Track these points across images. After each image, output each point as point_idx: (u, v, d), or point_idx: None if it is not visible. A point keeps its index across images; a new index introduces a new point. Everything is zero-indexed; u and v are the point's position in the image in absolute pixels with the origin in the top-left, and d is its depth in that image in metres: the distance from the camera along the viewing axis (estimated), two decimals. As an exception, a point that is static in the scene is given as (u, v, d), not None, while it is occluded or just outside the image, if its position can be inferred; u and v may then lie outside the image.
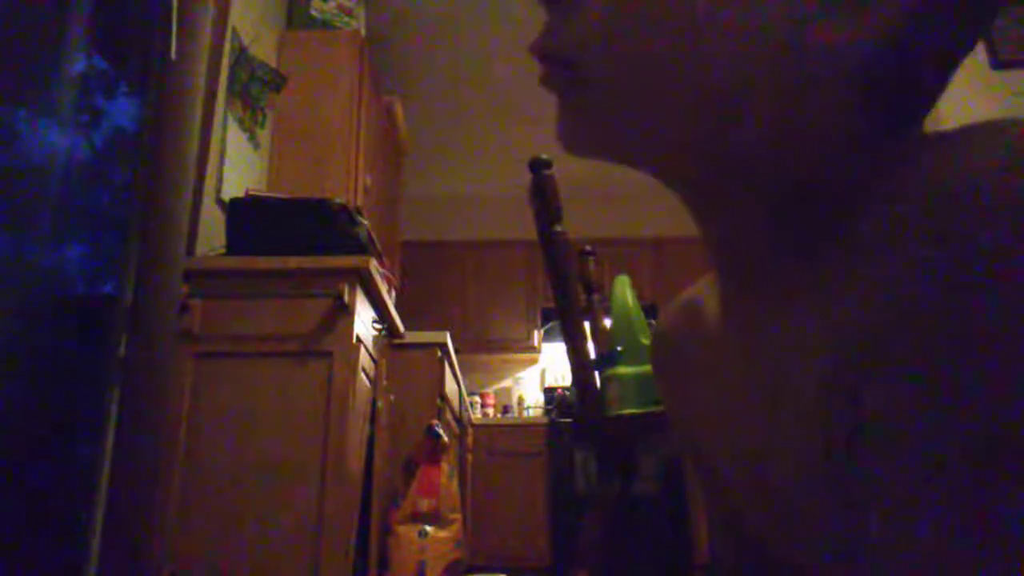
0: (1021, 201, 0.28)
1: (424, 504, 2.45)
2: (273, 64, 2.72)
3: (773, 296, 0.38)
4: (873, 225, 0.33)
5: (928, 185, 0.31)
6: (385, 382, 2.29)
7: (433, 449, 2.56)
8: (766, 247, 0.38)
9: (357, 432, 1.85)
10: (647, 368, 1.33)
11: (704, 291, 0.46)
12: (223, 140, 2.28)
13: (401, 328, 2.49)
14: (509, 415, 4.93)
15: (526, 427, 4.49)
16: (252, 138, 2.54)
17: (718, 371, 0.43)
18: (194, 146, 1.68)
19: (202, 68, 1.70)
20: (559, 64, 0.40)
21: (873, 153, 0.35)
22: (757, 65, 0.33)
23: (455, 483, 2.62)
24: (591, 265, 1.69)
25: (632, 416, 1.27)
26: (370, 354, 2.03)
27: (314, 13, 3.03)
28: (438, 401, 2.84)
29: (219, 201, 2.20)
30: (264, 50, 2.65)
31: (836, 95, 0.33)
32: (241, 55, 2.40)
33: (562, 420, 4.36)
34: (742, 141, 0.34)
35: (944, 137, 0.34)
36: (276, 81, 2.61)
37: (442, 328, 3.19)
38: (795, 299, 0.37)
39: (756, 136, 0.34)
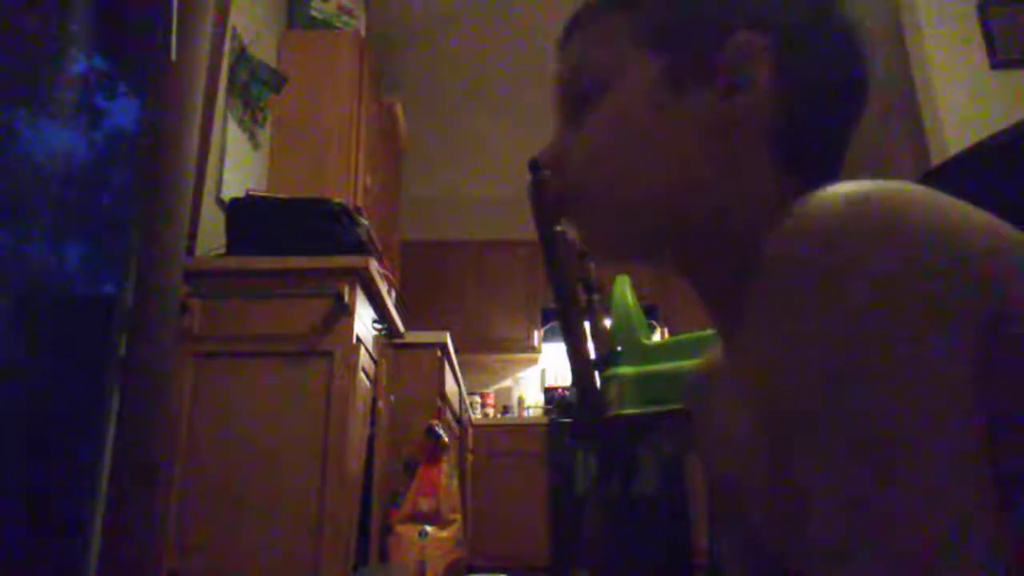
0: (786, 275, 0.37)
1: (424, 504, 2.45)
2: (273, 64, 2.72)
3: (729, 336, 0.53)
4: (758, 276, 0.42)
5: (770, 244, 0.40)
6: (385, 382, 2.29)
7: (433, 449, 2.56)
8: (719, 295, 0.52)
9: (357, 432, 1.85)
10: (647, 368, 1.33)
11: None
12: (223, 140, 2.28)
13: (401, 328, 2.49)
14: (509, 415, 4.93)
15: (526, 427, 4.49)
16: (252, 138, 2.54)
17: (723, 394, 0.56)
18: (194, 146, 1.68)
19: (202, 68, 1.70)
20: (564, 184, 0.54)
21: (771, 210, 0.46)
22: (682, 155, 0.49)
23: (455, 483, 2.62)
24: (591, 265, 1.69)
25: (632, 416, 1.27)
26: (370, 354, 2.03)
27: (314, 13, 3.03)
28: (438, 401, 2.84)
29: (219, 201, 2.20)
30: (264, 50, 2.65)
31: (728, 161, 0.48)
32: (241, 55, 2.40)
33: (562, 420, 4.36)
34: (693, 208, 0.49)
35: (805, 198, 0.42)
36: (276, 81, 2.61)
37: (442, 328, 3.19)
38: (739, 339, 0.51)
39: (700, 203, 0.49)
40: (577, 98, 0.53)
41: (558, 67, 0.57)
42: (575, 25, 0.55)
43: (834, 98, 0.50)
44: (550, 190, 0.56)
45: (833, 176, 0.49)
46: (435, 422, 2.62)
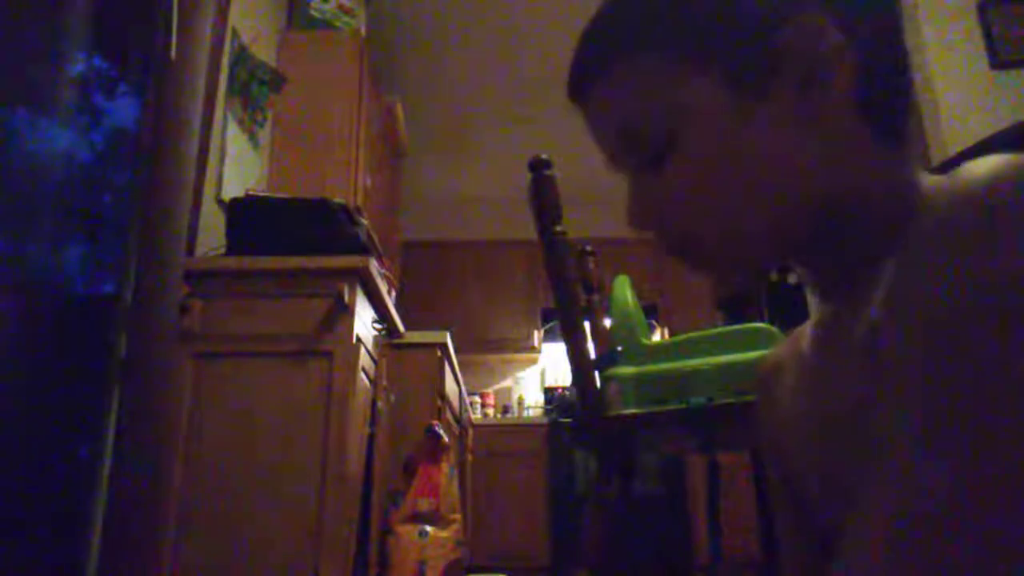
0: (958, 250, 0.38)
1: (424, 504, 2.45)
2: (273, 64, 2.72)
3: (835, 309, 0.52)
4: (893, 263, 0.43)
5: (947, 204, 0.41)
6: (385, 382, 2.29)
7: (433, 449, 2.55)
8: (832, 269, 0.51)
9: (357, 432, 1.85)
10: (647, 368, 1.33)
11: (807, 326, 0.60)
12: (223, 140, 2.28)
13: (401, 328, 2.49)
14: (509, 415, 4.92)
15: (526, 427, 4.49)
16: (252, 138, 2.54)
17: (807, 383, 0.55)
18: (194, 146, 1.68)
19: (202, 68, 1.70)
20: (672, 235, 0.53)
21: (888, 177, 0.47)
22: (784, 159, 0.47)
23: (455, 483, 2.62)
24: (591, 265, 1.69)
25: (632, 416, 1.27)
26: (370, 354, 2.03)
27: (314, 13, 3.03)
28: (438, 401, 2.84)
29: (219, 201, 2.20)
30: (264, 50, 2.65)
31: (830, 147, 0.47)
32: (241, 55, 2.40)
33: (562, 420, 4.36)
34: (807, 206, 0.48)
35: (942, 189, 0.45)
36: (276, 81, 2.60)
37: (442, 328, 3.19)
38: (844, 317, 0.50)
39: (813, 197, 0.48)
40: (647, 148, 0.50)
41: (596, 125, 0.54)
42: (597, 73, 0.52)
43: (900, 57, 0.49)
44: (664, 244, 0.54)
45: (909, 141, 0.49)
46: (435, 422, 2.61)
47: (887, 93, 0.48)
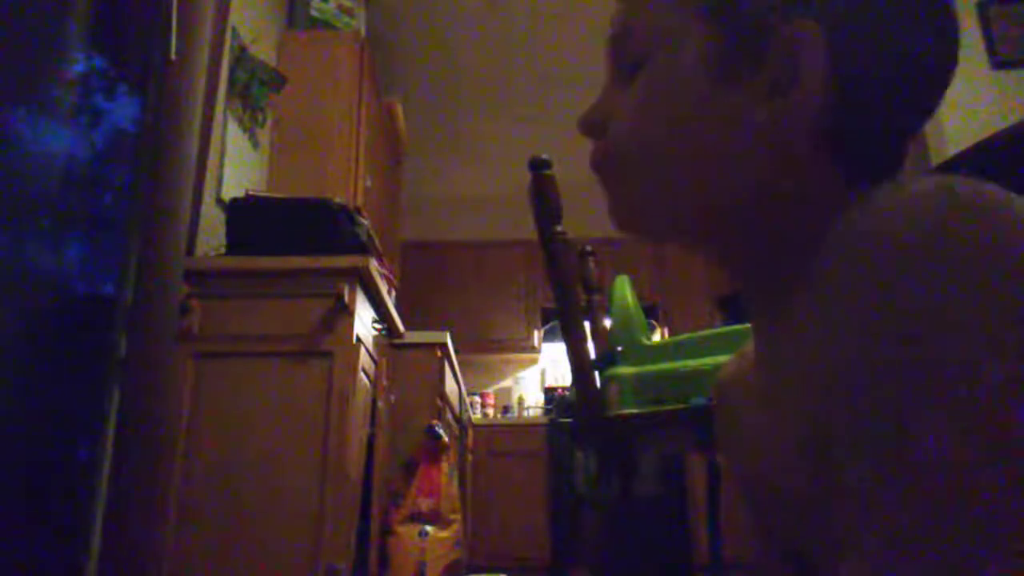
0: (885, 255, 0.34)
1: (424, 504, 2.45)
2: (273, 64, 2.72)
3: (769, 331, 0.50)
4: (820, 272, 0.39)
5: (845, 237, 0.37)
6: (385, 382, 2.29)
7: (433, 449, 2.56)
8: (760, 286, 0.49)
9: (357, 432, 1.85)
10: (647, 368, 1.33)
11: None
12: (223, 140, 2.28)
13: (401, 328, 2.49)
14: (509, 415, 4.93)
15: (526, 427, 4.49)
16: (252, 138, 2.54)
17: (752, 395, 0.54)
18: (194, 146, 1.68)
19: (202, 68, 1.70)
20: (602, 146, 0.52)
21: (829, 204, 0.44)
22: (726, 147, 0.46)
23: (455, 483, 2.62)
24: (591, 265, 1.69)
25: (632, 416, 1.27)
26: (370, 354, 2.03)
27: (314, 13, 3.03)
28: (438, 401, 2.84)
29: (219, 201, 2.20)
30: (264, 50, 2.65)
31: (775, 162, 0.45)
32: (241, 55, 2.40)
33: (562, 420, 4.36)
34: (732, 200, 0.46)
35: (883, 189, 0.39)
36: (276, 81, 2.61)
37: (442, 328, 3.19)
38: (782, 334, 0.47)
39: (741, 196, 0.46)
40: (628, 58, 0.50)
41: (613, 23, 0.53)
42: None
43: (899, 94, 0.45)
44: (593, 150, 0.52)
45: (893, 175, 0.46)
46: (435, 422, 2.62)
47: (864, 133, 0.45)
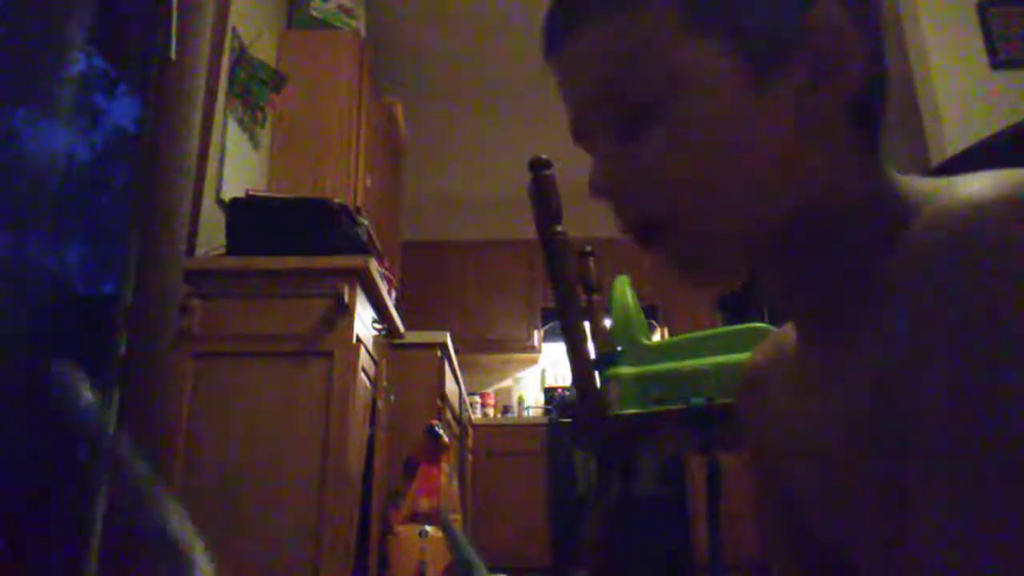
0: (946, 277, 0.35)
1: (424, 504, 2.45)
2: (273, 64, 2.72)
3: (823, 333, 0.48)
4: (875, 280, 0.41)
5: (903, 253, 0.38)
6: (385, 382, 2.29)
7: (433, 449, 2.55)
8: (813, 295, 0.48)
9: (357, 432, 1.85)
10: (647, 368, 1.33)
11: (790, 329, 0.57)
12: (223, 140, 2.28)
13: (401, 328, 2.49)
14: (509, 415, 4.93)
15: (526, 427, 4.49)
16: (252, 138, 2.54)
17: (794, 389, 0.52)
18: (194, 146, 1.68)
19: (202, 68, 1.70)
20: (638, 211, 0.48)
21: (864, 176, 0.45)
22: (782, 148, 0.44)
23: (455, 483, 2.62)
24: (591, 265, 1.69)
25: (632, 416, 1.27)
26: (370, 354, 2.03)
27: (314, 13, 3.03)
28: (438, 401, 2.84)
29: (219, 201, 2.20)
30: (264, 50, 2.65)
31: (822, 145, 0.44)
32: (241, 55, 2.40)
33: (562, 420, 4.36)
34: (797, 198, 0.45)
35: (946, 189, 0.41)
36: (276, 81, 2.60)
37: (442, 328, 3.19)
38: (834, 337, 0.47)
39: (805, 189, 0.45)
40: (627, 114, 0.46)
41: (574, 77, 0.48)
42: (579, 21, 0.47)
43: (884, 66, 0.47)
44: (624, 219, 0.48)
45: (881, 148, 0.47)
46: (435, 422, 2.61)
47: (880, 100, 0.46)
